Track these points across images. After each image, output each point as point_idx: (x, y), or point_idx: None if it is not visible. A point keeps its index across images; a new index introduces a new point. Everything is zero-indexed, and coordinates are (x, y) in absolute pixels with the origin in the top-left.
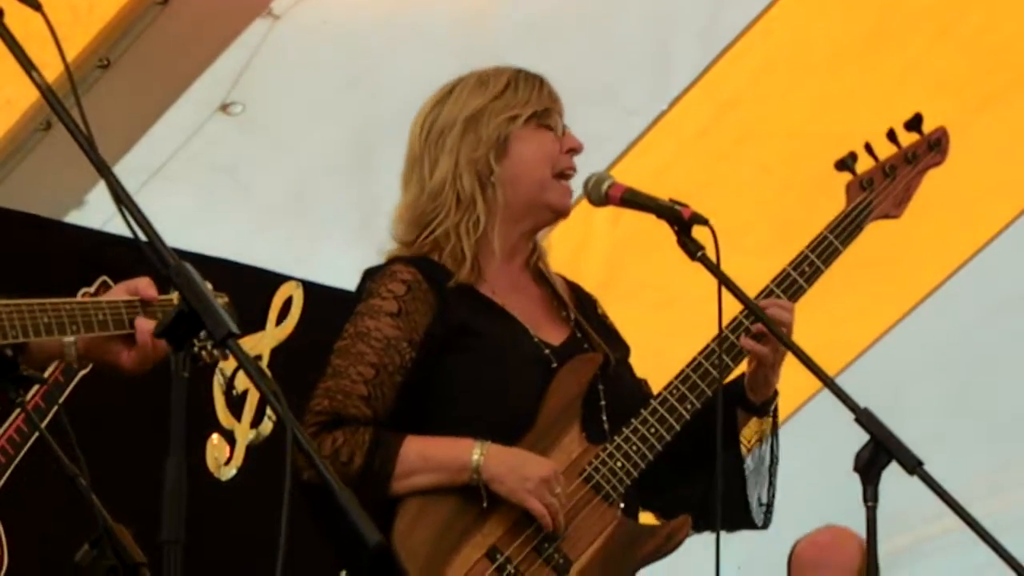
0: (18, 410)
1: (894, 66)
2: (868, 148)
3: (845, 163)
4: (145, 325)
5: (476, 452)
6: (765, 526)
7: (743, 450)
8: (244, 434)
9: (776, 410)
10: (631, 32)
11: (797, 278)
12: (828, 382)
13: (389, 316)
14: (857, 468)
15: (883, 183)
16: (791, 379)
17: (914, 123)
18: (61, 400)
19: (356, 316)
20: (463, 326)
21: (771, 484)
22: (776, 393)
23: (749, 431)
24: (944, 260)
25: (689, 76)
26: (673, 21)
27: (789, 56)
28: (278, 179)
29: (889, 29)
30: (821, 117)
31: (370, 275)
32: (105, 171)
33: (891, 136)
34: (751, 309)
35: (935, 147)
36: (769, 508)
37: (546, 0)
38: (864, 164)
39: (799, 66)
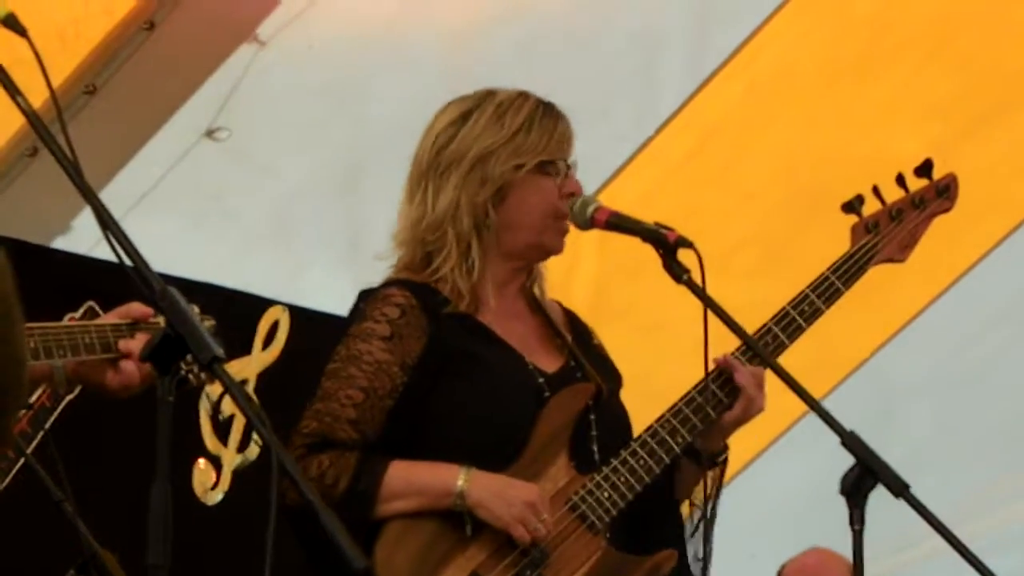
0: None
1: (882, 90)
2: (876, 191)
3: (852, 205)
4: (129, 347)
5: (461, 478)
6: None
7: (688, 507)
8: (230, 459)
9: (725, 464)
10: (618, 56)
11: (796, 317)
12: (814, 404)
13: (381, 340)
14: (843, 491)
15: (889, 227)
16: (779, 401)
17: (924, 169)
18: (48, 425)
19: (348, 338)
20: (457, 352)
21: (707, 541)
22: (726, 447)
23: (699, 490)
24: (934, 279)
25: (676, 100)
26: (661, 45)
27: (776, 80)
28: (264, 204)
29: (877, 53)
30: (808, 142)
31: (364, 297)
32: (91, 197)
33: (900, 181)
34: (735, 330)
35: (943, 193)
36: (705, 564)
37: (533, 22)
38: (871, 207)
39: (786, 90)
